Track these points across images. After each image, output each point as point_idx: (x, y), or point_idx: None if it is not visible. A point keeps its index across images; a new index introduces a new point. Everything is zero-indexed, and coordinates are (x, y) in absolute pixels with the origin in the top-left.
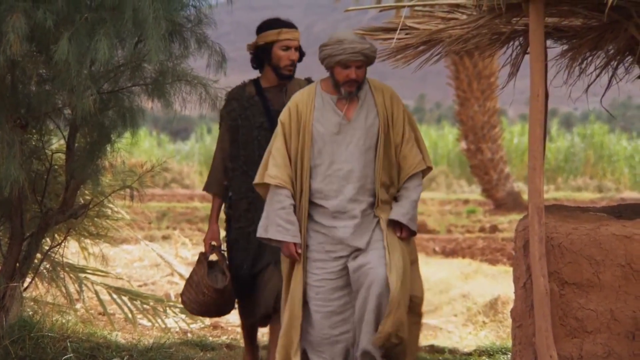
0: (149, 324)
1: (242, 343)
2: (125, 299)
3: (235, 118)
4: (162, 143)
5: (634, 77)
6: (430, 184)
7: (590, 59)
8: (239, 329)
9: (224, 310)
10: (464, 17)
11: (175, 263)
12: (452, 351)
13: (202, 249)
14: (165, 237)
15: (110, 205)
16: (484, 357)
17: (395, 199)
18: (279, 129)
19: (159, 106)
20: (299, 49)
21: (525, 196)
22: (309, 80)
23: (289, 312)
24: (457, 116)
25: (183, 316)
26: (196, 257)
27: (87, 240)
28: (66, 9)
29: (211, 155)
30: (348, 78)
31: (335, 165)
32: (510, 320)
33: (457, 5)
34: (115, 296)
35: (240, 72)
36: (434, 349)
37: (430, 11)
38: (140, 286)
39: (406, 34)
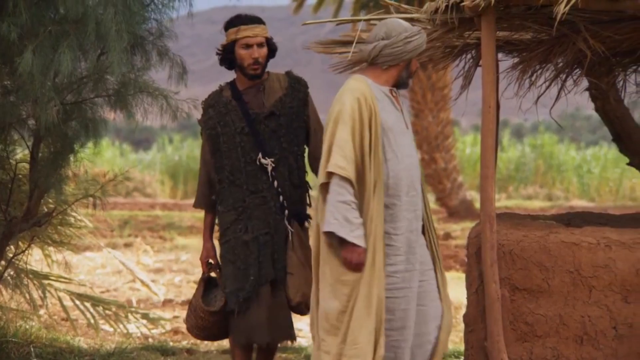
0: (111, 329)
1: (202, 347)
2: (88, 305)
3: (213, 126)
4: (124, 153)
5: (582, 89)
6: None
7: (540, 71)
8: None
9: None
10: None
11: (137, 270)
12: None
13: (164, 256)
14: (127, 245)
15: (74, 214)
16: None
17: None
18: (346, 119)
19: (121, 117)
20: (265, 44)
21: (477, 204)
22: (289, 75)
23: (377, 317)
24: (412, 127)
25: (144, 322)
26: (158, 265)
27: (51, 248)
28: (30, 22)
29: (172, 165)
30: (416, 67)
31: (405, 159)
32: (462, 325)
33: (412, 20)
34: (78, 302)
35: (201, 84)
36: None
37: None
38: (102, 292)
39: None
